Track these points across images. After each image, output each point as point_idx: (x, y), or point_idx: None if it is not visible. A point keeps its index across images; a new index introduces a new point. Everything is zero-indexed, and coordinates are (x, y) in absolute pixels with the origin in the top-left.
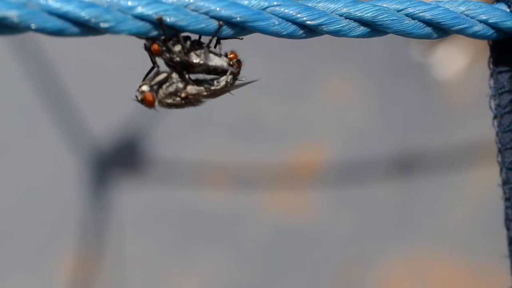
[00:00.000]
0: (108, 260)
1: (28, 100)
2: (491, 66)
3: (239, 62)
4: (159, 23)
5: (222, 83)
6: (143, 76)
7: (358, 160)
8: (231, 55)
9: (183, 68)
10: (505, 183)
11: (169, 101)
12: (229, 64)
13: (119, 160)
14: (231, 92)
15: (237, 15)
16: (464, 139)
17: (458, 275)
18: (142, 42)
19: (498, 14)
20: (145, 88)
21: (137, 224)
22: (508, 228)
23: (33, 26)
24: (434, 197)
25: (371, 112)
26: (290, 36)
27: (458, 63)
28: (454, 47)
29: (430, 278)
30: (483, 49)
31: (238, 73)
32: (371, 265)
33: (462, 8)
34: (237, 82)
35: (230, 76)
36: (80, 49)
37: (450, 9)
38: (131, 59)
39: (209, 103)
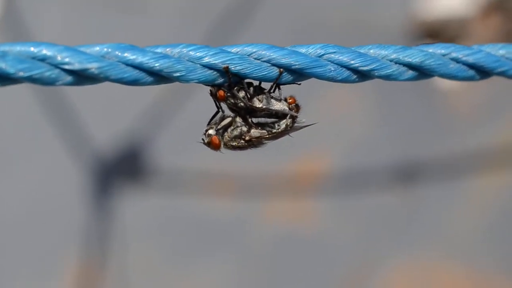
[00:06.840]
0: (111, 269)
1: (30, 109)
2: None
3: (297, 106)
4: (225, 72)
5: (283, 126)
6: (208, 120)
7: (361, 169)
8: (290, 100)
9: (246, 112)
10: None
11: (234, 143)
12: (289, 108)
13: (122, 169)
14: (291, 134)
15: (296, 62)
16: (466, 148)
17: (461, 283)
18: None
19: None
20: (211, 132)
21: (140, 233)
22: None
23: (111, 76)
24: (436, 205)
25: (373, 121)
26: (344, 80)
27: None
28: None
29: (434, 287)
30: None
31: (297, 116)
32: (374, 273)
33: (502, 52)
34: (295, 125)
35: (290, 120)
36: None
37: (491, 52)
38: None
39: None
